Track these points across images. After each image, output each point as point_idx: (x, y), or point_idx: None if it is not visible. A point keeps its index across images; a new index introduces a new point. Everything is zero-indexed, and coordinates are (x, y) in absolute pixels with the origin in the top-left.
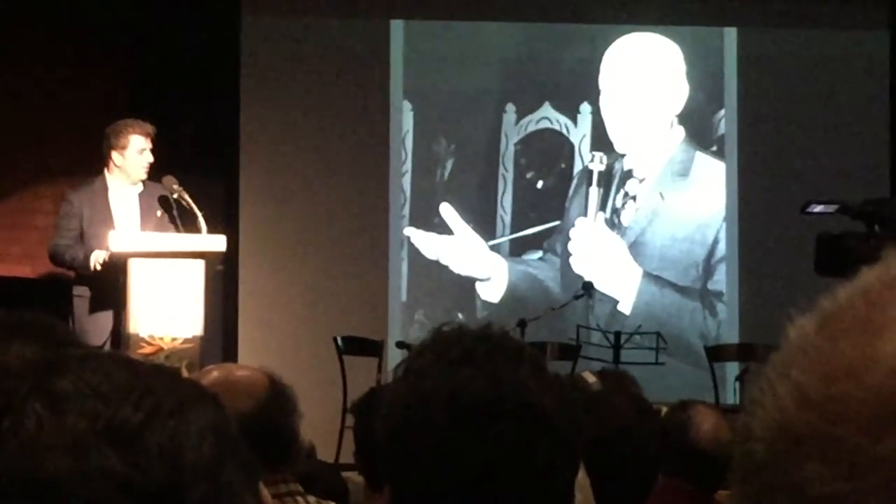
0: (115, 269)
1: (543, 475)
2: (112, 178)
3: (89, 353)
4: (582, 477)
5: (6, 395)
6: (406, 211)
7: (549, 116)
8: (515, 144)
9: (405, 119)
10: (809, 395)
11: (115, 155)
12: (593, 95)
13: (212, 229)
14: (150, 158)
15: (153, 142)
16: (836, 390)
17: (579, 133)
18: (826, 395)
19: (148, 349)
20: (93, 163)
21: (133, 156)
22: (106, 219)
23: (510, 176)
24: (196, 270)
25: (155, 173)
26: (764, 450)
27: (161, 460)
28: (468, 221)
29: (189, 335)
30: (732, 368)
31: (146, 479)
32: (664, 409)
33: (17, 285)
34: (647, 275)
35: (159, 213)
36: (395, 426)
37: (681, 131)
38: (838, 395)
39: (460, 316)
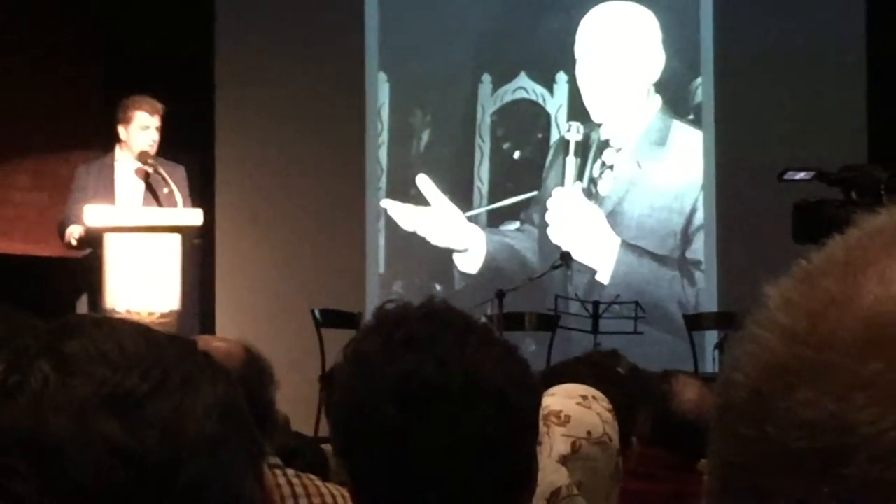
0: (92, 244)
1: (501, 452)
2: (120, 152)
3: (105, 318)
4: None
5: (17, 353)
6: (383, 183)
7: (525, 86)
8: (492, 115)
9: (381, 90)
10: (796, 332)
11: (120, 129)
12: (569, 65)
13: (188, 203)
14: (155, 136)
15: (162, 120)
16: (822, 322)
17: (556, 103)
18: (812, 328)
19: None
20: (69, 137)
21: (136, 131)
22: (109, 193)
23: (487, 147)
24: (172, 244)
25: None
26: (749, 389)
27: (161, 433)
28: (445, 192)
29: (166, 309)
30: (711, 337)
31: (144, 450)
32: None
33: None
34: (625, 244)
35: (166, 189)
36: (345, 416)
37: (657, 100)
38: (825, 326)
39: (438, 287)
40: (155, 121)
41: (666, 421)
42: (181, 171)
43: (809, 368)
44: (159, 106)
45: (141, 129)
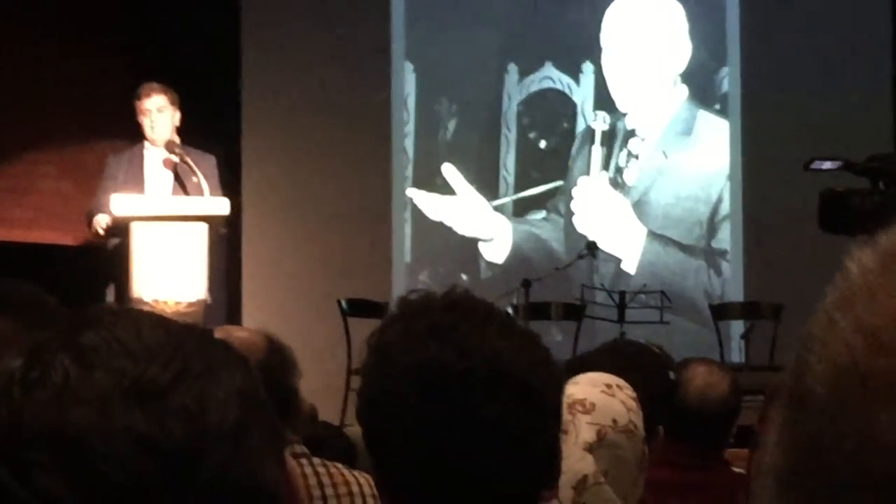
0: (119, 233)
1: (524, 440)
2: (148, 142)
3: (122, 308)
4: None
5: (37, 346)
6: (409, 172)
7: (551, 76)
8: (518, 104)
9: (407, 80)
10: (880, 339)
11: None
12: (595, 54)
13: (218, 193)
14: (155, 118)
15: (176, 104)
16: None
17: (582, 92)
18: None
19: None
20: (94, 126)
21: (141, 119)
22: (138, 182)
23: (513, 136)
24: (199, 234)
25: None
26: (828, 392)
27: (184, 422)
28: (471, 182)
29: (193, 299)
30: (737, 327)
31: (168, 440)
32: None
33: (16, 250)
34: (651, 234)
35: (195, 179)
36: (369, 407)
37: (684, 90)
38: None
39: (464, 277)
40: (154, 102)
41: (677, 410)
42: (211, 160)
43: (894, 386)
44: (156, 86)
45: (143, 116)
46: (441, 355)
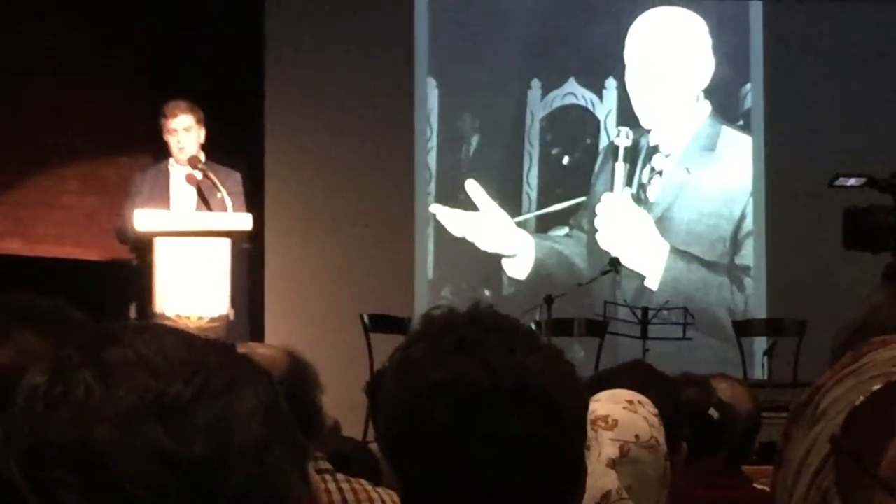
0: (142, 249)
1: (550, 455)
2: (174, 160)
3: (145, 324)
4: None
5: (60, 362)
6: (432, 188)
7: (574, 92)
8: (541, 120)
9: (430, 96)
10: None
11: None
12: (619, 70)
13: (239, 209)
14: (181, 139)
15: (202, 123)
16: None
17: (605, 108)
18: None
19: None
20: (118, 142)
21: (168, 138)
22: (164, 199)
23: (536, 152)
24: (222, 249)
25: None
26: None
27: (208, 438)
28: (494, 198)
29: (216, 314)
30: (760, 343)
31: (192, 457)
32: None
33: (40, 265)
34: (674, 250)
35: (219, 195)
36: (395, 425)
37: (707, 106)
38: None
39: (487, 293)
40: (181, 122)
41: (699, 425)
42: (237, 177)
43: None
44: (182, 105)
45: (169, 135)
46: (468, 371)
